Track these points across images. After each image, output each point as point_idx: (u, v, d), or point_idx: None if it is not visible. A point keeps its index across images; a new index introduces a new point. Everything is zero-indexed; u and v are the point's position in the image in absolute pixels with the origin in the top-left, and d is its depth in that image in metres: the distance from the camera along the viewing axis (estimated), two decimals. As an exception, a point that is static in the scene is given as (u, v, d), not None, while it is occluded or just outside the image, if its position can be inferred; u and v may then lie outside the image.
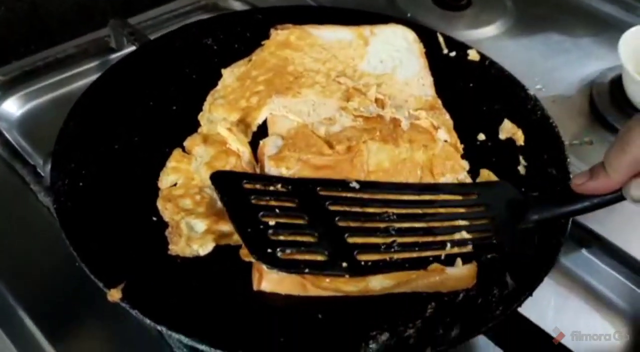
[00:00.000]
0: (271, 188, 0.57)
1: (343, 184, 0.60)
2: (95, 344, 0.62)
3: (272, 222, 0.54)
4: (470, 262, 0.56)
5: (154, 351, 0.59)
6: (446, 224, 0.58)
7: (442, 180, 0.65)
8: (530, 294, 0.55)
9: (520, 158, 0.68)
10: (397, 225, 0.57)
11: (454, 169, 0.65)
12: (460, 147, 0.68)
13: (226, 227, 0.58)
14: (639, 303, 0.67)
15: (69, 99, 0.83)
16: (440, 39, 0.82)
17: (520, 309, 0.55)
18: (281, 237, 0.54)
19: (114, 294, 0.51)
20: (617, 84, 0.91)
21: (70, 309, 0.63)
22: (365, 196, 0.59)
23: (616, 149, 0.49)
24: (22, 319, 0.62)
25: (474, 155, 0.68)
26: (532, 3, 1.11)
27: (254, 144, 0.66)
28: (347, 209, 0.58)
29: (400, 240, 0.56)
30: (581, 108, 0.92)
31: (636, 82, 0.85)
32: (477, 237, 0.57)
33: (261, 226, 0.54)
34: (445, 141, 0.68)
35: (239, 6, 0.97)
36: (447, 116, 0.71)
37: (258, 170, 0.64)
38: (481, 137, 0.71)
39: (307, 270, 0.52)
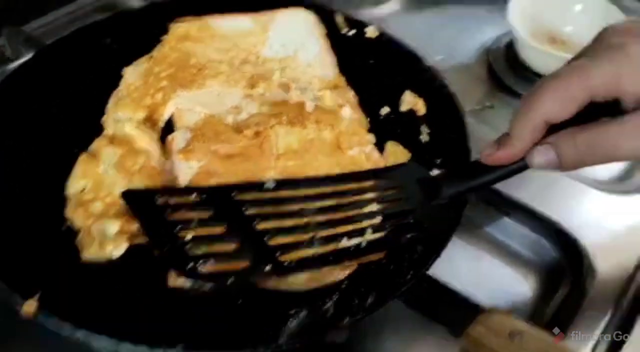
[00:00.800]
0: (185, 200, 0.56)
1: (258, 186, 0.58)
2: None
3: (189, 236, 0.53)
4: (393, 245, 0.57)
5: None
6: (364, 210, 0.58)
7: (350, 153, 0.67)
8: (438, 256, 0.58)
9: (422, 127, 0.71)
10: (316, 219, 0.56)
11: (361, 143, 0.68)
12: (366, 121, 0.71)
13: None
14: (544, 252, 0.72)
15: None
16: (339, 19, 0.84)
17: (434, 272, 0.58)
18: (200, 251, 0.52)
19: (29, 306, 0.51)
20: (511, 48, 0.96)
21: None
22: (282, 194, 0.58)
23: (518, 118, 0.51)
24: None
25: (380, 128, 0.70)
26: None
27: (163, 141, 0.67)
28: (264, 210, 0.56)
29: (320, 234, 0.55)
30: (481, 74, 0.96)
31: (526, 46, 0.90)
32: (396, 220, 0.58)
33: (179, 242, 0.52)
34: (351, 117, 0.70)
35: (137, 3, 0.96)
36: (351, 93, 0.73)
37: (167, 167, 0.65)
38: (385, 110, 0.73)
39: (231, 279, 0.51)
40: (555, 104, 0.49)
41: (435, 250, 0.58)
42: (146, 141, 0.66)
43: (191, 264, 0.51)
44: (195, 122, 0.68)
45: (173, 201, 0.55)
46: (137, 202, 0.56)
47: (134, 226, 0.58)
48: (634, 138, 0.47)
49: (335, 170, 0.65)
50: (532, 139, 0.51)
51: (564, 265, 0.70)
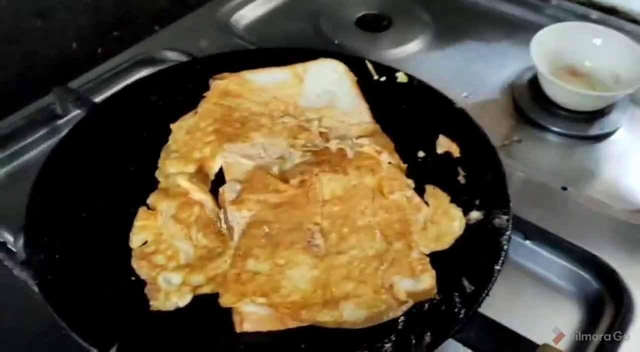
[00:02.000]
0: None
1: None
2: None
3: None
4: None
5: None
6: None
7: (392, 197, 0.70)
8: (487, 294, 0.61)
9: (459, 169, 0.75)
10: None
11: (401, 188, 0.71)
12: (404, 166, 0.74)
13: (200, 277, 0.62)
14: (585, 284, 0.74)
15: (25, 170, 0.86)
16: (369, 66, 0.88)
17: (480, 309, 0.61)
18: None
19: (109, 359, 0.55)
20: (534, 82, 0.99)
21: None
22: None
23: None
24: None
25: (417, 172, 0.74)
26: (447, 14, 1.17)
27: (214, 192, 0.71)
28: None
29: None
30: (507, 109, 0.99)
31: (549, 81, 0.93)
32: None
33: None
34: (390, 163, 0.74)
35: (174, 56, 1.00)
36: (388, 139, 0.77)
37: (222, 216, 0.68)
38: (421, 154, 0.77)
39: None
40: None
41: (484, 287, 0.61)
42: (199, 193, 0.70)
43: None
44: (243, 173, 0.72)
45: None
46: None
47: (195, 277, 0.62)
48: None
49: (380, 214, 0.69)
50: None
51: (604, 296, 0.73)
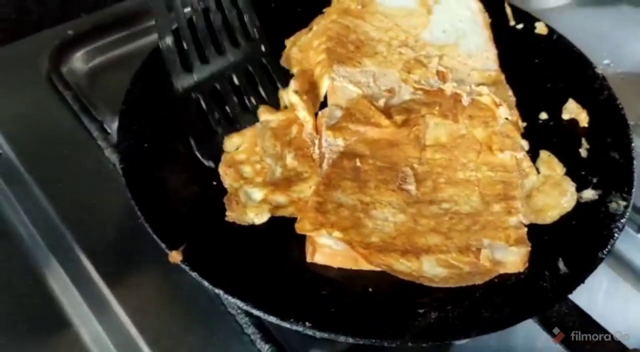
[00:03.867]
0: None
1: None
2: (155, 295, 0.64)
3: None
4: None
5: (209, 309, 0.62)
6: None
7: (500, 156, 0.64)
8: (582, 282, 0.55)
9: (583, 140, 0.67)
10: None
11: (514, 148, 0.65)
12: (522, 125, 0.67)
13: (282, 198, 0.60)
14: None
15: (137, 54, 0.85)
16: (508, 10, 0.80)
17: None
18: None
19: (175, 256, 0.54)
20: (691, 63, 0.87)
21: (133, 259, 0.66)
22: None
23: None
24: (87, 268, 0.65)
25: (535, 135, 0.67)
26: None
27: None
28: None
29: None
30: (650, 86, 0.89)
31: None
32: None
33: None
34: (506, 119, 0.67)
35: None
36: (510, 92, 0.70)
37: (317, 142, 0.65)
38: (543, 116, 0.69)
39: None
40: None
41: (580, 274, 0.55)
42: (303, 112, 0.66)
43: None
44: (347, 100, 0.67)
45: None
46: None
47: (278, 198, 0.60)
48: None
49: (483, 170, 0.63)
50: None
51: None
